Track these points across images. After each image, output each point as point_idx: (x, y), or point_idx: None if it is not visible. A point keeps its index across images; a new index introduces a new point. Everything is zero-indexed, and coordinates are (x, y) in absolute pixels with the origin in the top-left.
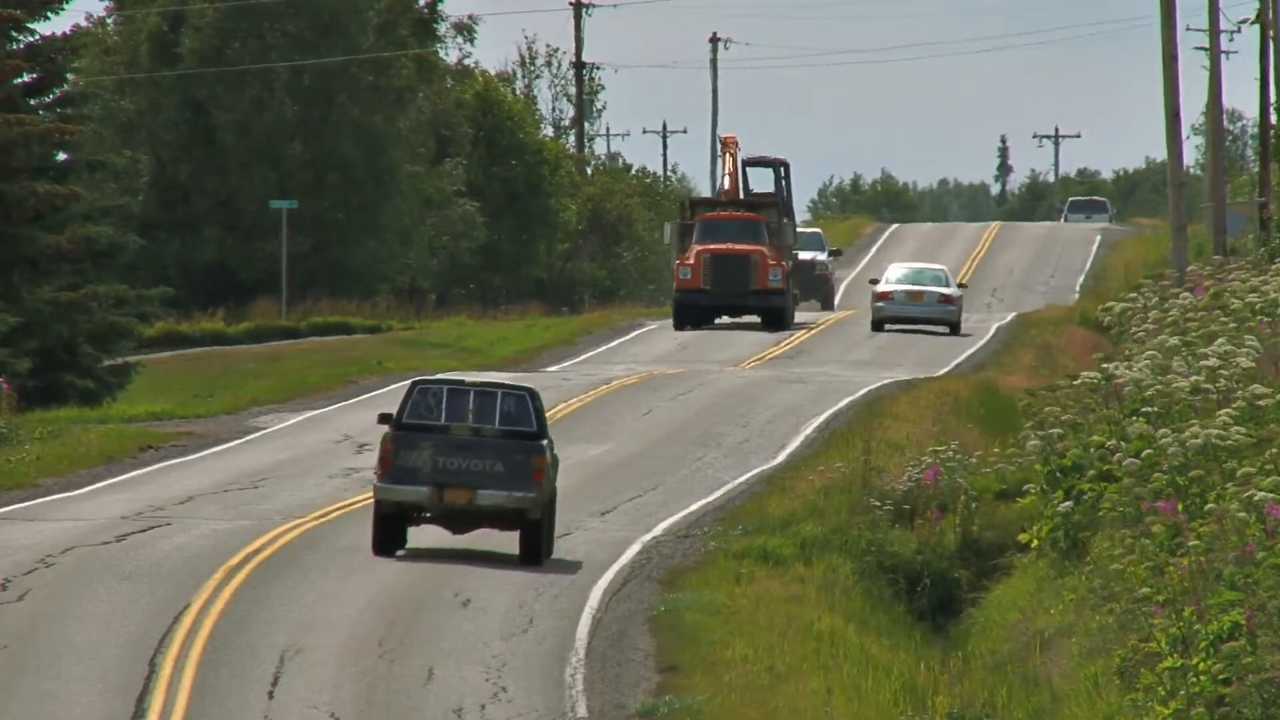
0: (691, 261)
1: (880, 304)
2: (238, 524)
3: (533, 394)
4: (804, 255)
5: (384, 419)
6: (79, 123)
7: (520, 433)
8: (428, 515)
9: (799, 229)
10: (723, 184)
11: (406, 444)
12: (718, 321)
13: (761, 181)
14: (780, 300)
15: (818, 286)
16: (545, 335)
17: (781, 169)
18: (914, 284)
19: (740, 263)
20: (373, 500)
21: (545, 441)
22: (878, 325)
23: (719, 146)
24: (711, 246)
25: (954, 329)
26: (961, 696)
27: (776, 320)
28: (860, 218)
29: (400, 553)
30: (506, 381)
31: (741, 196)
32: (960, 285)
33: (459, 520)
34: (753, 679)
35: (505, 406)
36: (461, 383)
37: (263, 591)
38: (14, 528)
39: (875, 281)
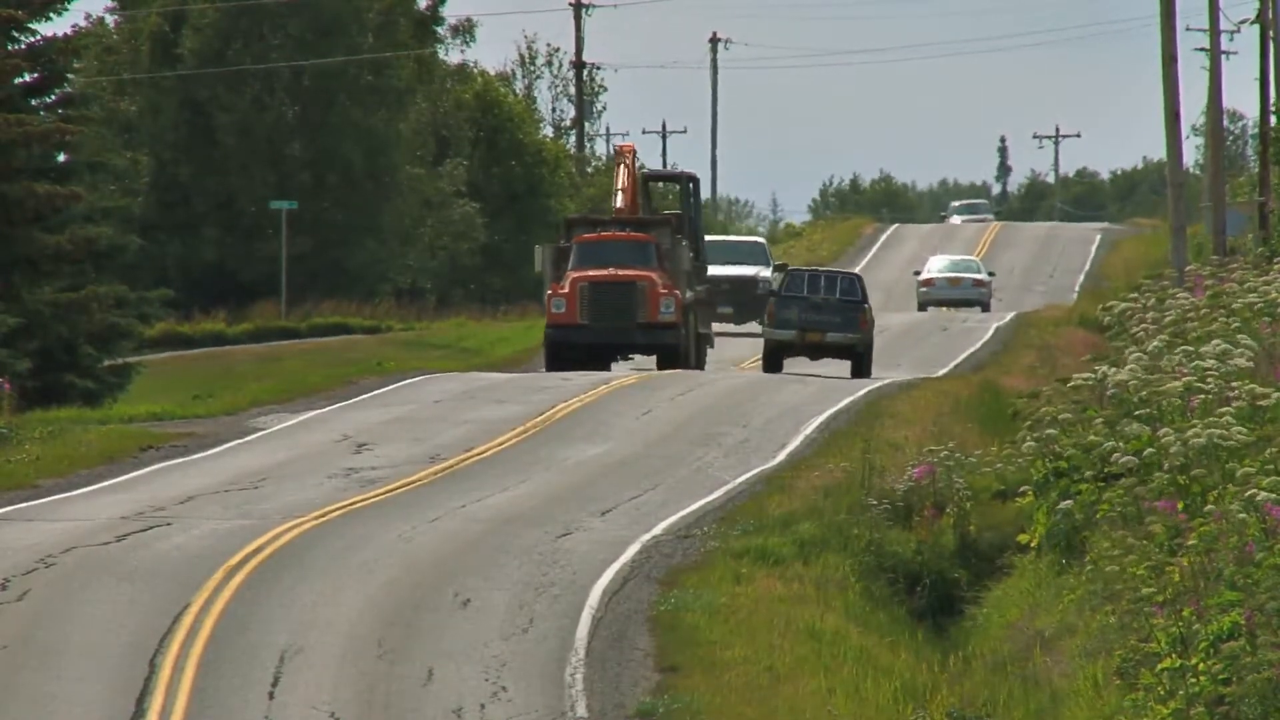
0: (566, 291)
1: (924, 289)
2: (238, 524)
3: (859, 277)
4: (745, 270)
5: (771, 293)
6: (79, 123)
7: (852, 299)
8: (795, 348)
9: (752, 238)
10: (615, 201)
11: (783, 305)
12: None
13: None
14: (673, 336)
15: (760, 306)
16: None
17: (690, 184)
18: (953, 272)
19: (624, 291)
20: (763, 341)
21: (866, 305)
22: (922, 307)
23: (614, 156)
24: (590, 273)
25: (985, 308)
26: (962, 696)
27: (670, 359)
28: (860, 218)
29: (783, 372)
30: (843, 269)
31: (641, 215)
32: (990, 273)
33: (814, 352)
34: (753, 679)
35: (843, 283)
36: (816, 269)
37: (263, 591)
38: (14, 528)
39: (918, 272)
